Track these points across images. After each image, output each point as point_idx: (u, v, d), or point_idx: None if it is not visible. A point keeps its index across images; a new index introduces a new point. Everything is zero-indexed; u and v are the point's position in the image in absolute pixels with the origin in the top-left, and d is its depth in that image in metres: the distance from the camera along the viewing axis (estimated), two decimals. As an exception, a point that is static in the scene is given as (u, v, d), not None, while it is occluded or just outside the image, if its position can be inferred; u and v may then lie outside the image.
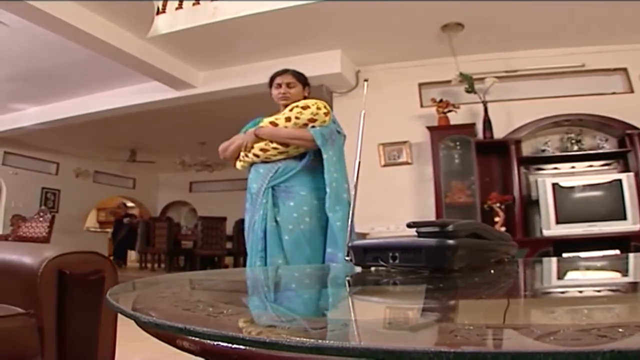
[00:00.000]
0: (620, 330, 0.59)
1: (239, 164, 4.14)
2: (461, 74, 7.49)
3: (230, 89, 8.57)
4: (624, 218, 6.76)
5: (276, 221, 3.87)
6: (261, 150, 3.94)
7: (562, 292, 1.19)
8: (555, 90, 7.94)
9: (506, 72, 7.97)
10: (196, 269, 12.45)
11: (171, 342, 0.76)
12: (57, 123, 10.65)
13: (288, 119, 3.96)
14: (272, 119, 4.01)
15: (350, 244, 1.46)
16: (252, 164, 4.04)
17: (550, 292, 1.19)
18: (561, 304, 0.98)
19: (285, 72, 4.28)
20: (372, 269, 1.38)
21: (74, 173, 16.04)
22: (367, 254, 1.37)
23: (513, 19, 7.09)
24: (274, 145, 3.93)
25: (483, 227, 1.45)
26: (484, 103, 7.61)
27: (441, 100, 7.69)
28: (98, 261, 2.58)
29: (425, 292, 1.15)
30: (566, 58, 7.96)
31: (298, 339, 0.57)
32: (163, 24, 7.31)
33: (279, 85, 4.21)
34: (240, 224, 11.31)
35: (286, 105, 4.13)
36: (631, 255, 2.93)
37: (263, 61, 8.09)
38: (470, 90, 7.51)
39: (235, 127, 4.20)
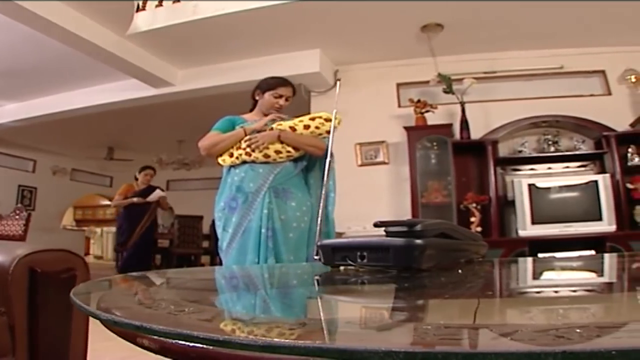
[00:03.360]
0: (578, 330, 0.59)
1: (228, 160, 4.05)
2: (439, 75, 7.52)
3: (209, 88, 8.55)
4: (600, 219, 6.82)
5: (280, 220, 3.90)
6: (275, 152, 3.94)
7: (527, 293, 1.20)
8: (533, 91, 8.00)
9: (485, 73, 8.01)
10: (172, 267, 12.40)
11: (132, 340, 0.75)
12: (35, 120, 10.58)
13: (307, 127, 4.02)
14: (290, 123, 4.01)
15: (318, 244, 1.46)
16: (244, 162, 3.98)
17: (514, 292, 1.19)
18: (525, 304, 0.99)
19: (289, 84, 4.29)
20: (341, 268, 1.38)
21: (51, 171, 15.91)
22: (336, 254, 1.36)
23: (493, 20, 7.12)
24: (289, 149, 3.97)
25: (452, 227, 1.44)
26: (462, 104, 7.64)
27: (419, 101, 7.71)
28: (70, 259, 2.57)
29: (389, 292, 1.16)
30: (545, 60, 8.03)
31: (250, 337, 0.58)
32: (143, 21, 7.26)
33: (280, 96, 4.21)
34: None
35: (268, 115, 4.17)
36: (606, 255, 2.95)
37: (242, 60, 8.10)
38: (449, 90, 7.54)
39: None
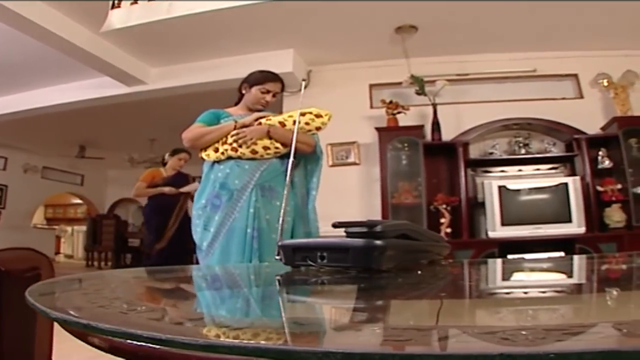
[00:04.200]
0: (524, 332, 0.59)
1: (212, 154, 3.89)
2: (412, 76, 7.54)
3: (182, 86, 8.50)
4: (569, 221, 6.89)
5: (266, 220, 3.80)
6: (263, 148, 3.84)
7: (482, 294, 1.20)
8: (506, 94, 8.04)
9: (458, 75, 8.04)
10: (141, 267, 12.35)
11: (84, 339, 0.75)
12: (6, 117, 10.45)
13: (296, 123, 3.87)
14: (280, 118, 3.93)
15: (279, 244, 1.46)
16: (229, 157, 3.86)
17: (469, 294, 1.18)
18: (478, 305, 0.99)
19: (279, 80, 4.20)
20: (302, 268, 1.38)
21: (22, 169, 15.75)
22: (296, 254, 1.36)
23: (467, 23, 7.15)
24: (277, 145, 3.87)
25: (413, 228, 1.44)
26: (434, 105, 7.67)
27: (391, 102, 7.73)
28: (35, 258, 2.55)
29: (342, 293, 1.17)
30: (518, 63, 8.09)
31: (191, 337, 0.57)
32: (117, 18, 7.20)
33: (268, 92, 4.10)
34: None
35: (254, 110, 4.09)
36: (569, 257, 2.96)
37: (215, 59, 8.08)
38: (421, 92, 7.55)
39: (186, 124, 4.09)
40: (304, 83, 3.10)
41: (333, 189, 7.56)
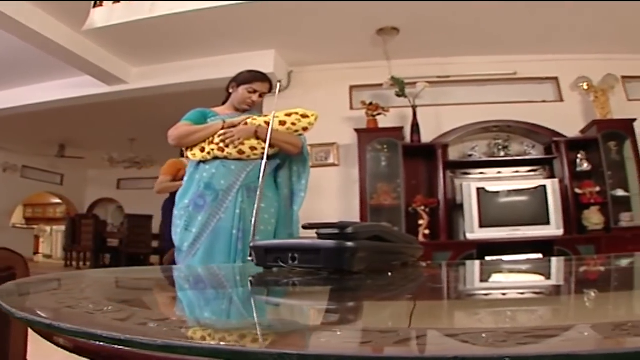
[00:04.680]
0: (485, 335, 0.59)
1: (199, 154, 3.80)
2: (393, 78, 7.55)
3: (162, 86, 8.47)
4: (548, 223, 6.94)
5: (250, 221, 3.73)
6: (250, 148, 3.76)
7: (450, 296, 1.20)
8: (486, 96, 8.09)
9: (439, 77, 8.08)
10: (122, 267, 12.30)
11: (50, 339, 0.75)
12: (-15, 115, 10.43)
13: (283, 123, 3.89)
14: (266, 118, 3.85)
15: (251, 245, 1.46)
16: (215, 157, 3.77)
17: (437, 296, 1.19)
18: (444, 307, 0.99)
19: (267, 80, 4.14)
20: (275, 269, 1.37)
21: (1, 168, 15.64)
22: (269, 255, 1.36)
23: (449, 25, 7.19)
24: (264, 145, 3.65)
25: (386, 230, 1.44)
26: (414, 107, 7.69)
27: (371, 103, 7.74)
28: (10, 258, 2.53)
29: (310, 295, 1.17)
30: (499, 65, 8.13)
31: (151, 337, 0.57)
32: (99, 17, 7.16)
33: (254, 92, 4.04)
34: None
35: (240, 110, 4.05)
36: (547, 259, 2.98)
37: (197, 59, 8.06)
38: (401, 94, 7.57)
39: (166, 124, 4.05)
40: (279, 84, 3.09)
41: (312, 190, 7.51)
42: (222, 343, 0.57)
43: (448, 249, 7.02)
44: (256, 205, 2.04)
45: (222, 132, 3.77)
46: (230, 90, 4.11)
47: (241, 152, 3.77)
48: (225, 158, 3.77)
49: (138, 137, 13.37)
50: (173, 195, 6.06)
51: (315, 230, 1.31)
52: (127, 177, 17.74)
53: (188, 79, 8.08)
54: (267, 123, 3.77)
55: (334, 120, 7.92)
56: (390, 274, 1.38)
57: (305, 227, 1.36)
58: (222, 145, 3.75)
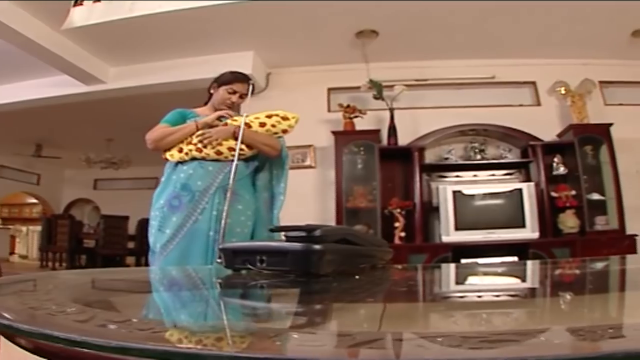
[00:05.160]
0: (439, 339, 0.60)
1: (176, 155, 3.77)
2: (371, 81, 7.57)
3: (140, 86, 8.43)
4: (523, 226, 6.99)
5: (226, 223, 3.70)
6: (229, 149, 3.74)
7: (414, 299, 1.19)
8: (464, 100, 8.13)
9: (416, 80, 8.11)
10: (97, 268, 12.22)
11: (13, 340, 0.75)
12: (-39, 114, 10.34)
13: (263, 125, 3.87)
14: (246, 120, 3.80)
15: (220, 247, 1.46)
16: (193, 158, 3.74)
17: (400, 299, 1.18)
18: (406, 311, 0.99)
19: (247, 81, 4.11)
20: (244, 271, 1.38)
21: (-23, 167, 15.58)
22: (237, 257, 1.36)
23: (428, 29, 7.23)
24: (242, 147, 3.74)
25: (354, 233, 1.45)
26: (391, 110, 7.72)
27: (348, 106, 7.76)
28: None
29: (273, 297, 1.17)
30: (477, 69, 8.19)
31: (106, 339, 0.57)
32: (79, 16, 7.10)
33: (234, 92, 4.02)
34: (145, 223, 10.91)
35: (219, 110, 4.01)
36: (523, 261, 2.98)
37: (175, 59, 8.03)
38: (379, 96, 7.59)
39: (144, 125, 4.01)
40: (251, 86, 3.09)
41: (288, 192, 7.55)
42: (180, 345, 0.58)
43: (423, 252, 7.05)
44: (225, 207, 2.03)
45: (200, 132, 3.75)
46: (212, 91, 4.10)
47: (219, 152, 3.75)
48: (203, 159, 3.75)
49: (115, 137, 13.31)
50: None
51: (284, 233, 1.32)
52: (103, 178, 17.63)
53: (166, 79, 8.06)
54: (246, 124, 3.77)
55: (311, 122, 7.90)
56: (357, 277, 1.38)
57: (271, 230, 1.37)
58: (199, 145, 3.73)
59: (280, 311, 0.98)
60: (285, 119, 3.99)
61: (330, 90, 8.41)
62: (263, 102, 7.85)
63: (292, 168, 7.87)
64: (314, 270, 1.23)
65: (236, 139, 3.70)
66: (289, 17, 6.89)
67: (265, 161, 4.01)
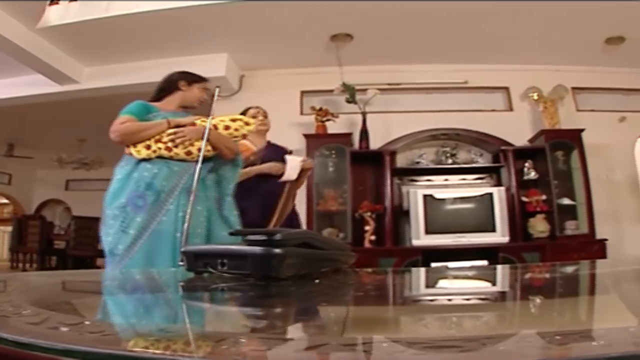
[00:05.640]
0: (385, 345, 0.61)
1: (144, 152, 3.66)
2: (344, 84, 7.57)
3: (114, 87, 8.35)
4: (493, 230, 7.03)
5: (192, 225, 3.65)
6: (198, 149, 3.67)
7: (368, 303, 1.20)
8: (436, 104, 8.17)
9: (390, 84, 8.14)
10: (68, 269, 12.11)
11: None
12: None
13: (227, 128, 3.88)
14: (213, 121, 3.80)
15: (182, 249, 1.46)
16: (159, 157, 3.68)
17: (357, 303, 1.20)
18: (358, 315, 1.01)
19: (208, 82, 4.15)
20: (206, 274, 1.36)
21: (-53, 166, 15.39)
22: (198, 260, 1.36)
23: (402, 34, 7.25)
24: (208, 148, 3.74)
25: (316, 237, 1.46)
26: (363, 114, 7.75)
27: (320, 109, 7.78)
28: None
29: (225, 301, 1.18)
30: (451, 74, 8.22)
31: (52, 341, 0.58)
32: (55, 15, 7.05)
33: (205, 90, 4.09)
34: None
35: (190, 108, 4.05)
36: (487, 265, 2.98)
37: (149, 60, 7.98)
38: (351, 100, 7.60)
39: None
40: (217, 90, 3.09)
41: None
42: (125, 348, 0.59)
43: (393, 255, 7.07)
44: (189, 209, 2.02)
45: (171, 131, 3.72)
46: (183, 88, 4.05)
47: (189, 152, 3.73)
48: (171, 158, 3.71)
49: (88, 137, 13.18)
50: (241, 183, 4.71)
51: (243, 237, 1.32)
52: (75, 178, 17.41)
53: (140, 80, 7.98)
54: (215, 126, 3.78)
55: (283, 125, 7.84)
56: (317, 281, 1.39)
57: (231, 234, 1.38)
58: (170, 144, 3.70)
59: (231, 315, 0.99)
60: (247, 124, 4.04)
61: (303, 93, 8.41)
62: (236, 104, 7.82)
63: (264, 170, 7.89)
64: (274, 274, 1.23)
65: (208, 141, 3.69)
66: (264, 19, 6.88)
67: (217, 162, 3.99)
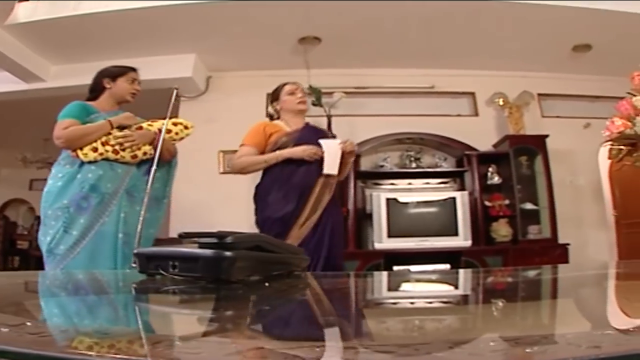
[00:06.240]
0: (317, 349, 0.62)
1: (91, 154, 3.65)
2: (310, 87, 7.57)
3: (80, 86, 8.13)
4: (456, 234, 7.07)
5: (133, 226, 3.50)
6: (144, 153, 3.79)
7: (309, 307, 1.23)
8: (403, 108, 8.19)
9: (356, 88, 8.15)
10: (30, 269, 11.97)
11: None
12: None
13: (169, 131, 3.88)
14: (157, 125, 3.90)
15: (135, 251, 1.46)
16: (104, 159, 3.67)
17: (299, 307, 1.22)
18: (299, 319, 1.03)
19: (136, 70, 4.12)
20: (158, 277, 1.35)
21: None
22: (151, 262, 1.36)
23: (370, 38, 7.28)
24: (151, 151, 3.79)
25: (268, 240, 1.46)
26: (329, 117, 7.75)
27: (286, 112, 7.76)
28: None
29: (170, 303, 1.19)
30: (417, 79, 8.26)
31: None
32: (24, 12, 7.00)
33: (134, 80, 4.06)
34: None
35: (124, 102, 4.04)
36: (446, 269, 2.99)
37: (117, 60, 7.70)
38: (317, 103, 7.58)
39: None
40: (175, 91, 3.09)
41: (222, 197, 7.49)
42: (58, 350, 0.60)
43: (356, 259, 7.06)
44: (142, 212, 2.04)
45: (120, 134, 3.74)
46: (107, 86, 4.03)
47: (135, 156, 3.79)
48: (116, 160, 3.73)
49: (52, 137, 13.06)
50: (267, 174, 4.60)
51: (194, 239, 1.33)
52: (39, 178, 17.14)
53: (106, 80, 7.96)
54: (159, 130, 3.79)
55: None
56: (267, 284, 1.39)
57: (180, 236, 1.38)
58: (117, 147, 3.72)
59: (172, 318, 1.00)
60: (186, 127, 4.09)
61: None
62: (202, 105, 7.86)
63: (227, 173, 7.87)
64: (225, 276, 1.24)
65: (152, 145, 3.78)
66: (232, 21, 6.87)
67: (163, 165, 4.00)
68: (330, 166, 4.37)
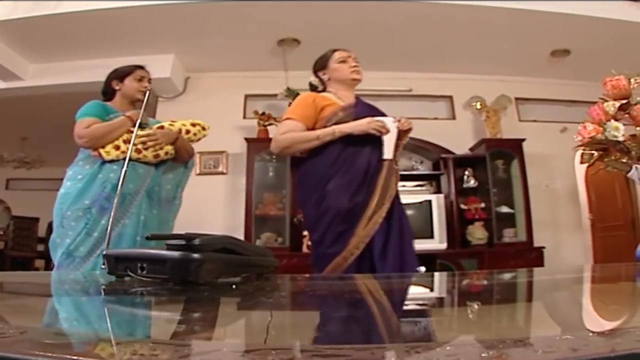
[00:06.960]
0: (273, 352, 0.62)
1: (113, 153, 3.58)
2: (288, 89, 7.58)
3: (59, 85, 8.22)
4: (432, 237, 7.09)
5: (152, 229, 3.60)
6: (165, 153, 3.75)
7: (275, 308, 1.21)
8: (379, 111, 8.20)
9: (334, 90, 8.16)
10: (5, 270, 11.88)
11: None
12: None
13: (188, 132, 3.90)
14: (177, 125, 3.88)
15: (104, 252, 1.46)
16: (124, 158, 3.35)
17: (265, 308, 1.21)
18: (263, 320, 1.03)
19: (143, 67, 4.05)
20: (127, 278, 1.37)
21: None
22: (119, 263, 1.36)
23: (348, 40, 7.16)
24: (172, 152, 3.78)
25: (236, 242, 1.47)
26: (306, 119, 7.70)
27: (263, 113, 7.80)
28: None
29: (135, 305, 1.18)
30: (395, 82, 8.28)
31: None
32: (3, 10, 6.94)
33: (142, 78, 3.97)
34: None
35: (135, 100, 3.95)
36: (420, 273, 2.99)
37: (96, 59, 7.84)
38: (294, 105, 7.59)
39: (60, 124, 3.91)
40: (148, 92, 3.07)
41: (198, 198, 7.44)
42: (19, 351, 0.59)
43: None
44: (112, 213, 2.02)
45: (143, 132, 3.67)
46: (117, 87, 3.96)
47: (157, 156, 3.74)
48: (138, 160, 3.65)
49: (30, 136, 12.90)
50: (316, 155, 3.76)
51: (164, 241, 1.33)
52: (16, 177, 17.03)
53: (86, 79, 7.85)
54: (180, 130, 3.84)
55: (226, 128, 7.84)
56: (234, 286, 1.40)
57: (147, 238, 1.39)
58: (140, 147, 3.64)
59: (134, 320, 1.00)
60: (204, 128, 4.06)
61: (247, 96, 8.38)
62: (180, 105, 7.84)
63: (203, 174, 7.88)
64: (192, 278, 1.24)
65: (173, 144, 3.78)
66: (211, 21, 6.86)
67: (170, 164, 3.98)
68: (390, 148, 3.83)
